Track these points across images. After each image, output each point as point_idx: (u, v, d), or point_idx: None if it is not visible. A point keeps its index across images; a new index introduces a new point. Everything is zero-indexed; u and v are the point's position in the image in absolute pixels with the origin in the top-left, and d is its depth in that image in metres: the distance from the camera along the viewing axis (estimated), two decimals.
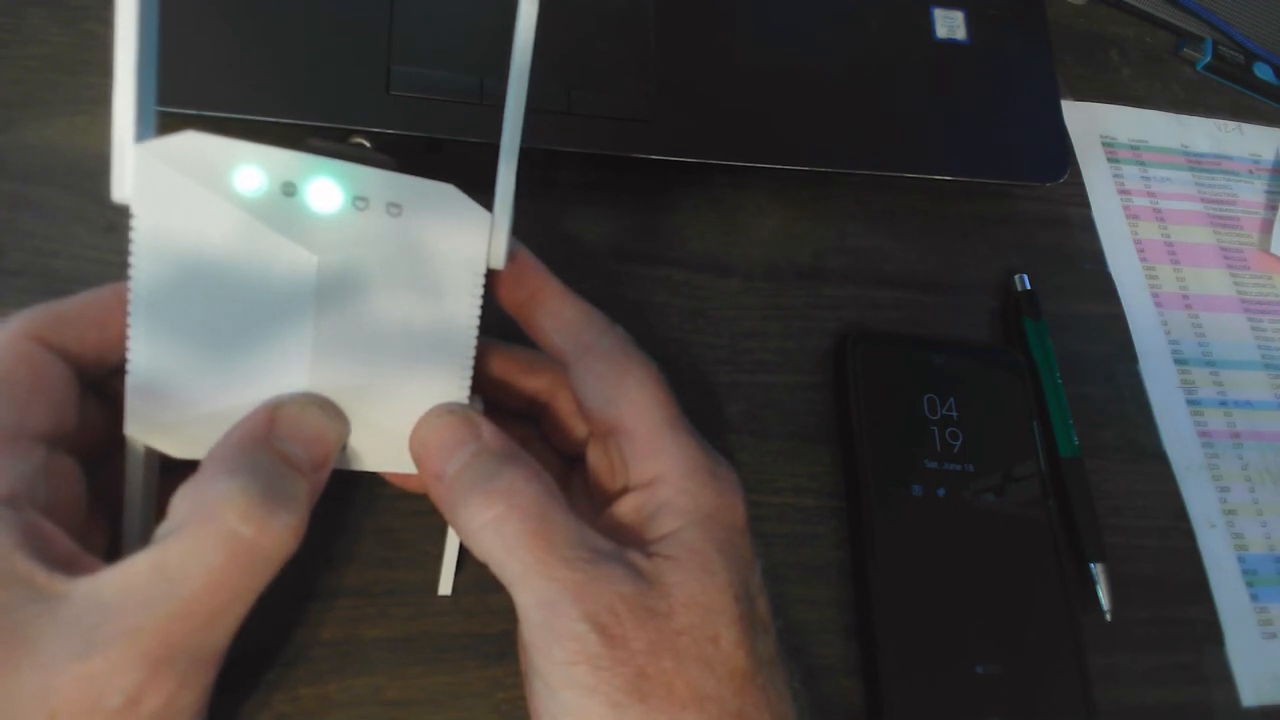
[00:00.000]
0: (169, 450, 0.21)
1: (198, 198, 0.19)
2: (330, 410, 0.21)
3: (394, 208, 0.20)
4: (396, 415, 0.22)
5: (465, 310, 0.22)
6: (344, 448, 0.22)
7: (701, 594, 0.20)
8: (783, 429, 0.33)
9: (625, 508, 0.23)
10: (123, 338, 0.20)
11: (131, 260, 0.19)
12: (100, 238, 0.29)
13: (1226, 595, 0.35)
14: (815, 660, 0.30)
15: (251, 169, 0.19)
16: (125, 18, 0.18)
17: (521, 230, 0.33)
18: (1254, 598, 0.35)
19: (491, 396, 0.25)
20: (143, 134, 0.19)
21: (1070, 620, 0.31)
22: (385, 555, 0.27)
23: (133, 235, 0.19)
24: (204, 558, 0.18)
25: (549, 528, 0.20)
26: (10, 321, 0.20)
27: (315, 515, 0.27)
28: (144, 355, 0.20)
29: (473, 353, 0.22)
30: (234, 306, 0.20)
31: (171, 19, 0.30)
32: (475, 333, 0.22)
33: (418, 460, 0.22)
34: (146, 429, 0.21)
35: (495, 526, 0.20)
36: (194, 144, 0.19)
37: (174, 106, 0.28)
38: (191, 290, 0.20)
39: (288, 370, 0.20)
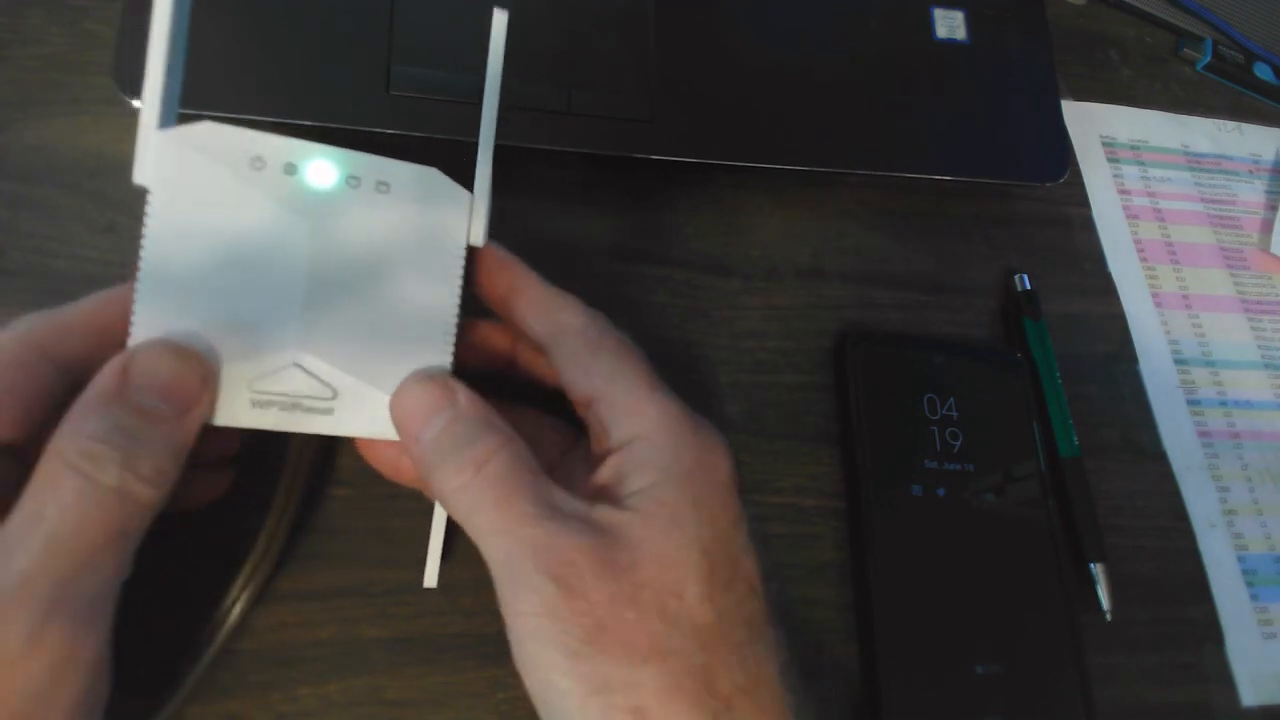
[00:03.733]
0: None
1: (209, 176, 0.21)
2: (186, 356, 0.21)
3: (383, 185, 0.22)
4: (381, 381, 0.23)
5: (448, 281, 0.23)
6: (330, 414, 0.22)
7: (667, 547, 0.21)
8: (783, 429, 0.33)
9: (606, 468, 0.23)
10: (121, 345, 0.20)
11: (144, 230, 0.20)
12: (100, 238, 0.29)
13: (1226, 595, 0.35)
14: (815, 660, 0.30)
15: (258, 152, 0.21)
16: (160, 20, 0.20)
17: (522, 229, 0.33)
18: (1254, 598, 0.35)
19: (508, 371, 0.27)
20: (165, 123, 0.21)
21: (1070, 620, 0.31)
22: (384, 555, 0.27)
23: (148, 208, 0.20)
24: (58, 498, 0.18)
25: (514, 490, 0.21)
26: (18, 325, 0.21)
27: (314, 515, 0.27)
28: (146, 320, 0.21)
29: (455, 321, 0.23)
30: (232, 272, 0.21)
31: None
32: (457, 303, 0.23)
33: (398, 423, 0.23)
34: None
35: (465, 491, 0.21)
36: (210, 133, 0.21)
37: None
38: (195, 256, 0.21)
39: (278, 334, 0.21)
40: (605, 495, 0.22)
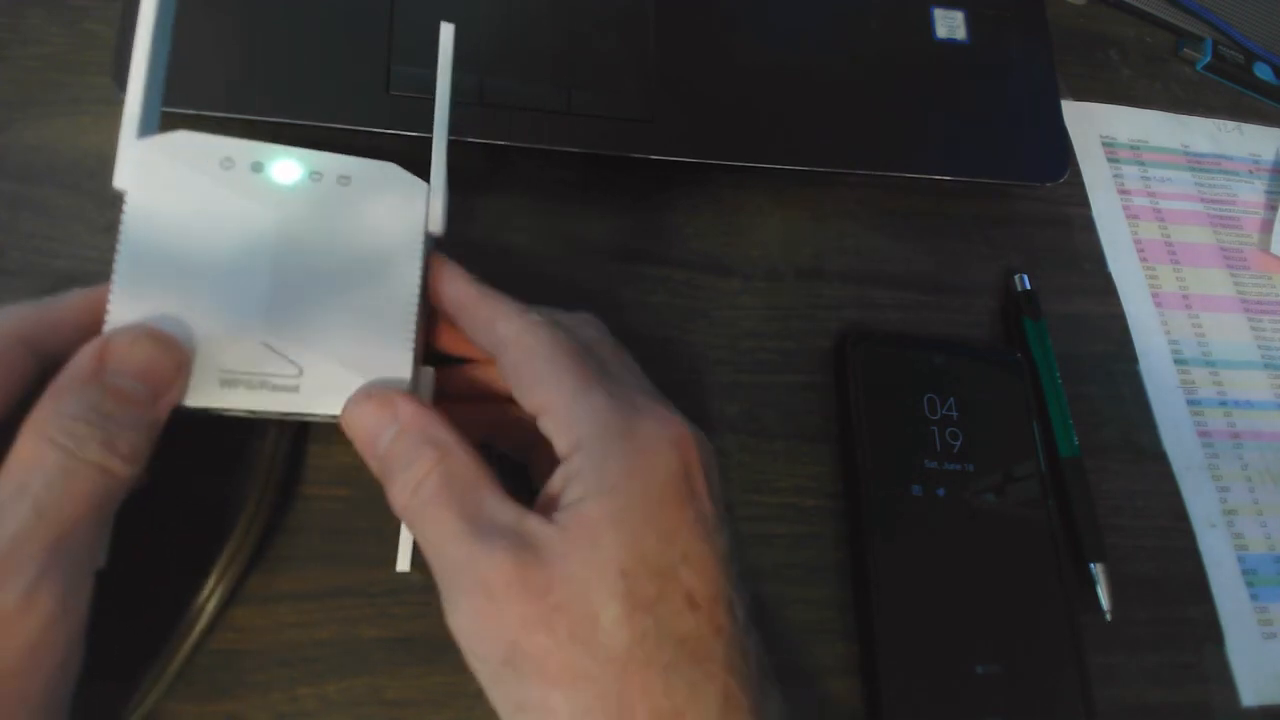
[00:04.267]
0: None
1: (181, 177, 0.22)
2: (162, 340, 0.21)
3: (344, 179, 0.24)
4: (346, 358, 0.23)
5: (408, 264, 0.24)
6: (295, 391, 0.22)
7: (582, 569, 0.20)
8: (783, 429, 0.33)
9: (554, 480, 0.22)
10: None
11: (120, 228, 0.22)
12: (100, 237, 0.29)
13: (1226, 595, 0.35)
14: (815, 660, 0.30)
15: (227, 154, 0.23)
16: (141, 41, 0.22)
17: (522, 230, 0.33)
18: (1254, 598, 0.35)
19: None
20: (145, 132, 0.22)
21: (1070, 620, 0.31)
22: (384, 555, 0.27)
23: (124, 208, 0.22)
24: (42, 472, 0.19)
25: (444, 508, 0.21)
26: (2, 315, 0.22)
27: (313, 515, 0.27)
28: (120, 308, 0.22)
29: (416, 301, 0.23)
30: (203, 263, 0.22)
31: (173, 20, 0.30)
32: (418, 284, 0.24)
33: (354, 443, 0.23)
34: None
35: (407, 511, 0.22)
36: (183, 139, 0.23)
37: (176, 106, 0.28)
38: (167, 249, 0.22)
39: (247, 317, 0.22)
40: (549, 507, 0.22)
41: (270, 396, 0.22)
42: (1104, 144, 0.43)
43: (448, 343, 0.28)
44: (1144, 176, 0.43)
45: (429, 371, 0.25)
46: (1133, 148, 0.44)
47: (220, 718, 0.25)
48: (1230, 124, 0.46)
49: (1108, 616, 0.32)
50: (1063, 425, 0.35)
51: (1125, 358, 0.38)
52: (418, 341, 0.24)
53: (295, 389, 0.22)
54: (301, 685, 0.25)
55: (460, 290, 0.25)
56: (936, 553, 0.31)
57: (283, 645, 0.26)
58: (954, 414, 0.33)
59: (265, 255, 0.22)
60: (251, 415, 0.23)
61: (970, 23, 0.39)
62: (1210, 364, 0.40)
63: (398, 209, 0.24)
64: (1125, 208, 0.42)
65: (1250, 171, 0.45)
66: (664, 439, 0.22)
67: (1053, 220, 0.40)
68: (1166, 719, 0.32)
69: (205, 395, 0.22)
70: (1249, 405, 0.39)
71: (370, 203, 0.24)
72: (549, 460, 0.27)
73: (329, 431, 0.28)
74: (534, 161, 0.34)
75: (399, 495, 0.22)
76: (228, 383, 0.22)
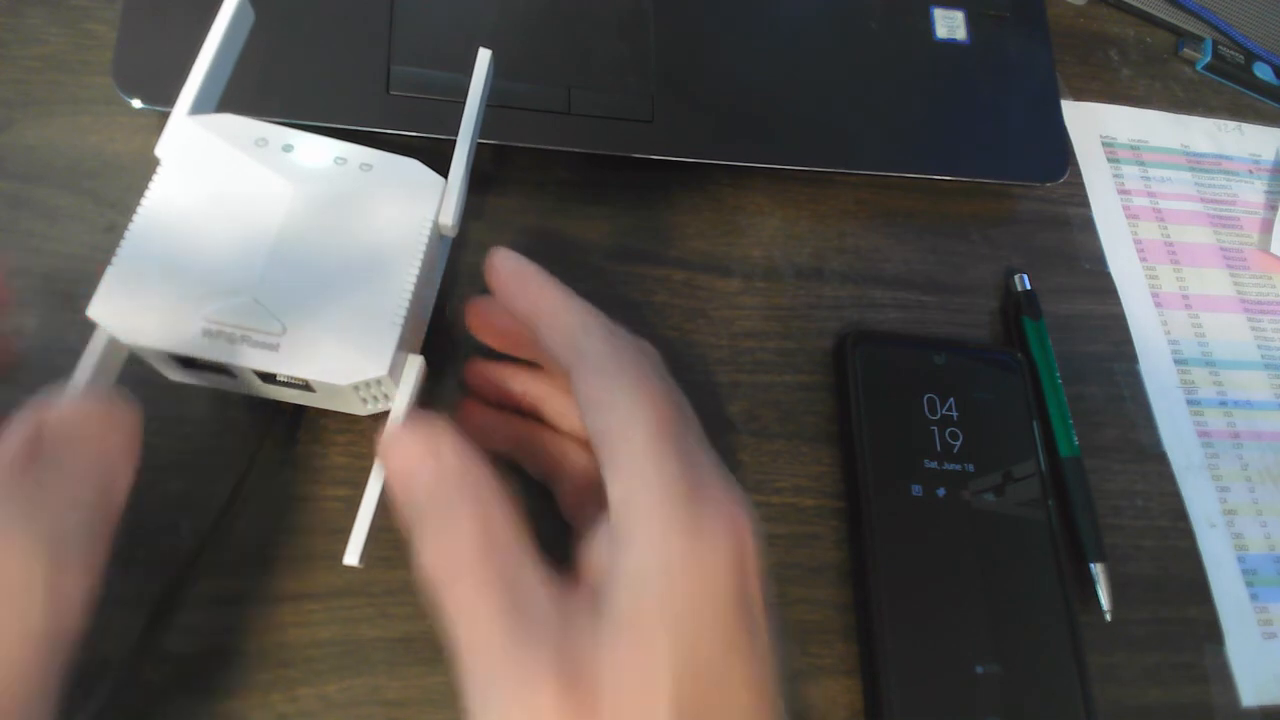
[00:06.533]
0: (120, 335, 0.22)
1: (215, 150, 0.24)
2: (107, 412, 0.20)
3: (366, 167, 0.25)
4: (330, 329, 0.23)
5: (411, 251, 0.24)
6: (275, 350, 0.22)
7: (634, 676, 0.19)
8: (783, 429, 0.33)
9: (596, 548, 0.21)
10: None
11: (149, 187, 0.23)
12: (100, 237, 0.29)
13: (1226, 595, 0.35)
14: (815, 660, 0.30)
15: (263, 135, 0.25)
16: (216, 31, 0.24)
17: (522, 230, 0.33)
18: (1254, 598, 0.35)
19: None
20: (195, 111, 0.24)
21: (1070, 620, 0.31)
22: (385, 555, 0.27)
23: (156, 171, 0.23)
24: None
25: (484, 579, 0.19)
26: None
27: (314, 515, 0.27)
28: (130, 251, 0.22)
29: (410, 286, 0.24)
30: (217, 221, 0.23)
31: (171, 20, 0.30)
32: (416, 271, 0.24)
33: (385, 468, 0.22)
34: (106, 313, 0.22)
35: (441, 571, 0.20)
36: (226, 120, 0.25)
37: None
38: (187, 205, 0.23)
39: (243, 272, 0.23)
40: (591, 574, 0.21)
41: (248, 352, 0.22)
42: (1104, 144, 0.43)
43: (489, 336, 0.27)
44: (1144, 176, 0.43)
45: (419, 360, 0.25)
46: (1133, 148, 0.44)
47: (220, 718, 0.25)
48: (1230, 124, 0.46)
49: (1108, 616, 0.32)
50: (1063, 425, 0.35)
51: (1125, 358, 0.38)
52: (409, 326, 0.24)
53: (275, 347, 0.22)
54: (301, 685, 0.25)
55: (543, 294, 0.24)
56: (936, 553, 0.31)
57: (283, 645, 0.26)
58: (954, 414, 0.33)
59: (276, 223, 0.23)
60: (225, 372, 0.23)
61: (970, 23, 0.39)
62: (1210, 364, 0.40)
63: (412, 199, 0.25)
64: (1125, 208, 0.42)
65: (1250, 171, 0.45)
66: (723, 528, 0.20)
67: (1053, 220, 0.40)
68: (1166, 719, 0.32)
69: (186, 342, 0.22)
70: (1249, 405, 0.39)
71: (387, 190, 0.25)
72: (579, 491, 0.26)
73: (328, 432, 0.28)
74: (534, 161, 0.34)
75: (430, 549, 0.20)
76: (210, 333, 0.22)
